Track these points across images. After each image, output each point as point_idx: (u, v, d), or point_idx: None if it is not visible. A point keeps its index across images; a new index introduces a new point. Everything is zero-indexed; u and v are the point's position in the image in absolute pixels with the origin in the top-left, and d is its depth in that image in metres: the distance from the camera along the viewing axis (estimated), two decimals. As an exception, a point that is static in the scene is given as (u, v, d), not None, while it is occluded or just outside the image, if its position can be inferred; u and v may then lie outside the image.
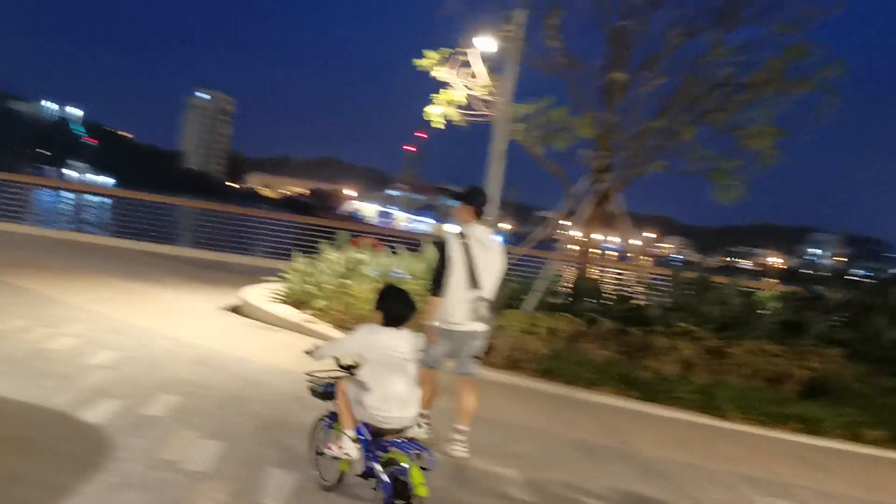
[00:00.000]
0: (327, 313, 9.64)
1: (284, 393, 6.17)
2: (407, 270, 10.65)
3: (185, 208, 25.42)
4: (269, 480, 4.28)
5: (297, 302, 10.17)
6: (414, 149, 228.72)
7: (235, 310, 10.06)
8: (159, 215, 21.63)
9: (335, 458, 3.98)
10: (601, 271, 14.29)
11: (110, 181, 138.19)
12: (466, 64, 10.78)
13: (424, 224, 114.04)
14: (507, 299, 9.21)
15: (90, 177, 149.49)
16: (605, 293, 10.86)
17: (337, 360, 4.06)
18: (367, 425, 3.85)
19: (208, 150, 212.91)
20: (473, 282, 5.11)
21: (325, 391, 4.13)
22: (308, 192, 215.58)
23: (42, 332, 7.14)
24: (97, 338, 7.23)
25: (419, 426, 3.95)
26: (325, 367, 4.15)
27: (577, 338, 8.78)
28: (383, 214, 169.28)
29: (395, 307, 3.93)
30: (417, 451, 3.61)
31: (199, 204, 23.92)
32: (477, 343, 5.25)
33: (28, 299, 8.70)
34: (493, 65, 10.63)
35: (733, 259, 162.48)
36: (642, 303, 10.34)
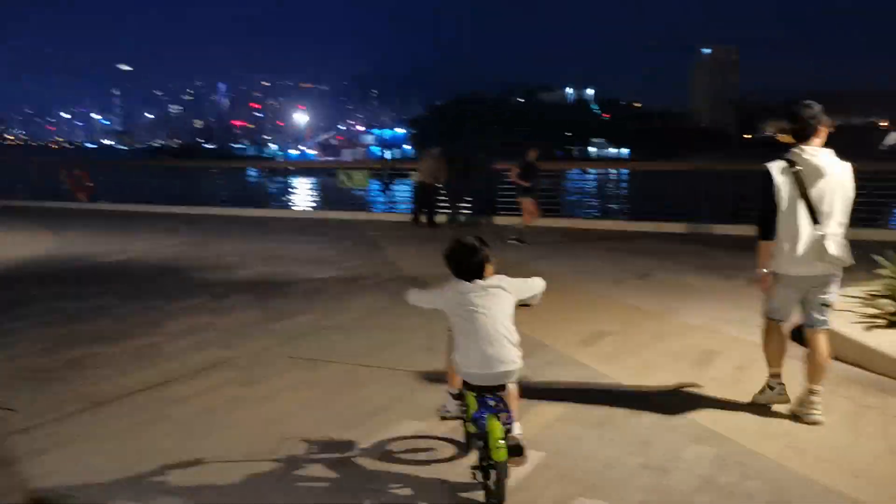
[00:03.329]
0: None
1: None
2: None
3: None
4: None
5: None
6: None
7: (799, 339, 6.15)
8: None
9: (442, 417, 4.25)
10: None
11: (625, 152, 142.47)
12: None
13: None
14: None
15: (610, 151, 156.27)
16: None
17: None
18: (465, 383, 3.63)
19: (717, 104, 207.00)
20: (812, 217, 4.37)
21: None
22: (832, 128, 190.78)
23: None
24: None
25: None
26: None
27: None
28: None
29: (456, 259, 3.71)
30: (501, 411, 3.47)
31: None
32: (826, 289, 4.50)
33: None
34: None
35: None
36: None
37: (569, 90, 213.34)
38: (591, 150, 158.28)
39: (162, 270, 10.22)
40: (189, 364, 5.72)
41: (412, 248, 12.24)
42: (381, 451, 4.10)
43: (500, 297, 3.67)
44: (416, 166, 15.78)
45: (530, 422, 4.51)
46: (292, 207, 21.46)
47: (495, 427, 3.41)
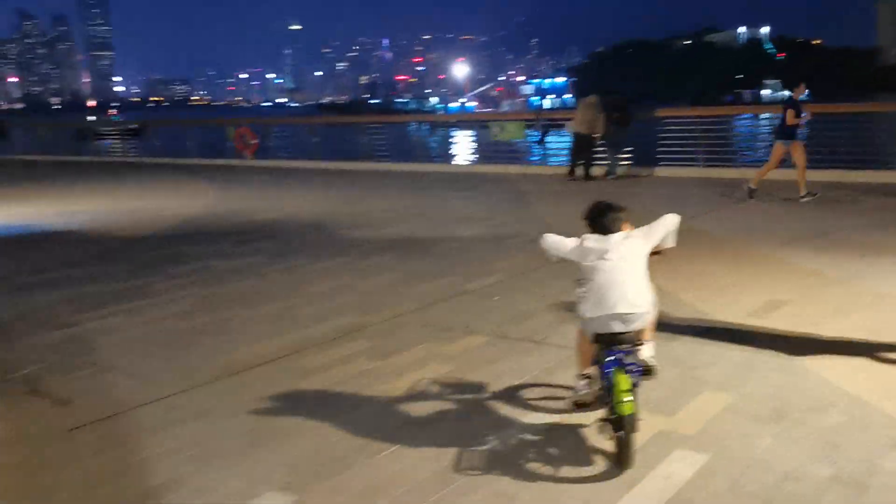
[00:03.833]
0: None
1: None
2: None
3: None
4: None
5: None
6: None
7: None
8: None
9: (575, 403, 4.00)
10: None
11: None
12: None
13: None
14: None
15: (786, 93, 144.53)
16: None
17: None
18: (595, 336, 3.60)
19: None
20: None
21: None
22: None
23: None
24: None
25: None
26: None
27: None
28: None
29: (593, 216, 3.81)
30: (623, 364, 3.39)
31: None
32: None
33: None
34: None
35: None
36: None
37: (741, 29, 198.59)
38: (765, 92, 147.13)
39: (311, 227, 10.24)
40: (323, 331, 5.52)
41: (565, 204, 11.58)
42: (515, 440, 3.66)
43: (634, 245, 3.71)
44: (572, 116, 14.94)
45: (692, 413, 3.89)
46: (450, 162, 21.26)
47: (621, 380, 3.37)
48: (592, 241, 3.74)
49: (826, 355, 4.67)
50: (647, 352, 3.69)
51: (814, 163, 13.57)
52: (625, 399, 3.29)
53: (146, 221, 11.13)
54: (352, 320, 5.77)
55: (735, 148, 16.91)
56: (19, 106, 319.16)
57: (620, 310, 3.52)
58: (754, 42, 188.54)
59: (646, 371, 3.52)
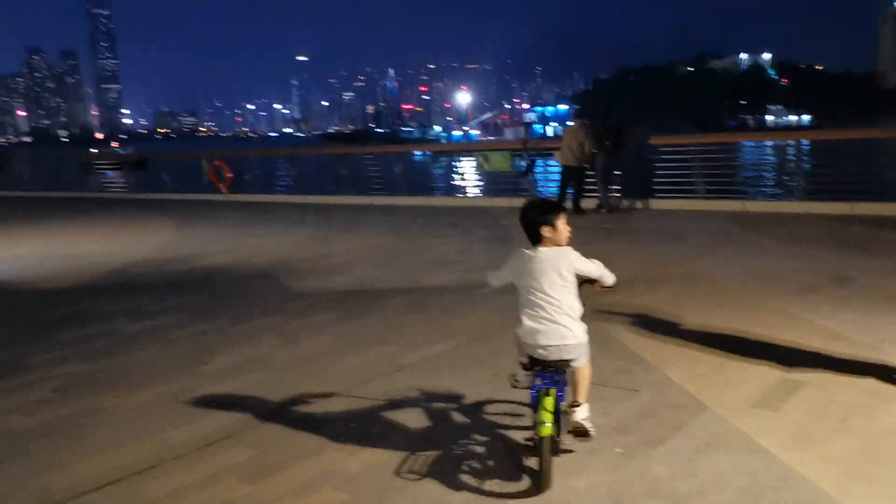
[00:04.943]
0: None
1: None
2: None
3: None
4: None
5: None
6: None
7: None
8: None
9: (513, 386, 3.90)
10: None
11: (806, 119, 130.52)
12: None
13: None
14: None
15: (790, 118, 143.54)
16: None
17: None
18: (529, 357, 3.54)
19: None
20: None
21: None
22: None
23: None
24: None
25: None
26: None
27: None
28: None
29: (520, 219, 3.55)
30: (550, 386, 3.31)
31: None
32: None
33: (634, 381, 4.30)
34: None
35: None
36: None
37: (742, 55, 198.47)
38: (769, 118, 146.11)
39: (258, 275, 9.01)
40: (199, 432, 4.23)
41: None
42: None
43: (559, 264, 3.43)
44: (557, 144, 13.71)
45: None
46: (436, 194, 20.11)
47: (545, 401, 3.27)
48: (520, 257, 3.51)
49: (857, 472, 3.35)
50: (581, 414, 3.48)
51: (818, 194, 12.33)
52: (543, 419, 3.22)
53: (76, 270, 9.88)
54: (240, 416, 4.46)
55: (740, 178, 15.70)
56: (27, 139, 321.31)
57: (545, 337, 3.39)
58: (756, 68, 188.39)
59: (580, 433, 3.45)
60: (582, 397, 3.51)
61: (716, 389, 4.47)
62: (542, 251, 3.45)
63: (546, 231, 3.45)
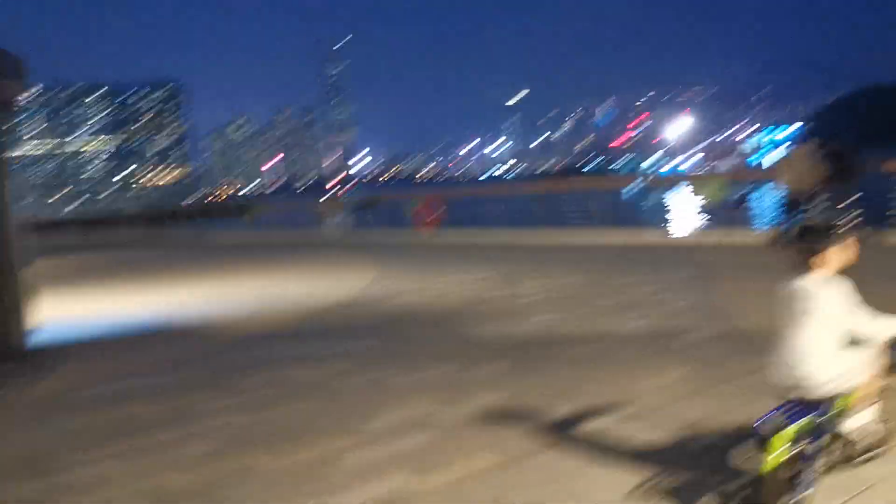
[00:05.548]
0: None
1: None
2: None
3: None
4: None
5: None
6: None
7: None
8: None
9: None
10: None
11: None
12: None
13: None
14: None
15: None
16: None
17: None
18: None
19: None
20: None
21: None
22: None
23: None
24: None
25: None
26: None
27: None
28: None
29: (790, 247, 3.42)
30: (786, 420, 3.09)
31: None
32: None
33: None
34: None
35: None
36: None
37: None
38: None
39: (435, 319, 8.69)
40: (339, 504, 3.79)
41: (761, 282, 9.03)
42: None
43: (818, 302, 3.22)
44: (776, 172, 12.22)
45: None
46: (637, 229, 19.04)
47: (777, 437, 3.04)
48: (786, 285, 3.42)
49: None
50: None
51: None
52: (771, 454, 3.07)
53: (269, 313, 10.12)
54: (393, 486, 3.98)
55: None
56: (271, 189, 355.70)
57: (787, 372, 3.37)
58: None
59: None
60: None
61: None
62: (812, 279, 3.41)
63: (822, 257, 3.41)
